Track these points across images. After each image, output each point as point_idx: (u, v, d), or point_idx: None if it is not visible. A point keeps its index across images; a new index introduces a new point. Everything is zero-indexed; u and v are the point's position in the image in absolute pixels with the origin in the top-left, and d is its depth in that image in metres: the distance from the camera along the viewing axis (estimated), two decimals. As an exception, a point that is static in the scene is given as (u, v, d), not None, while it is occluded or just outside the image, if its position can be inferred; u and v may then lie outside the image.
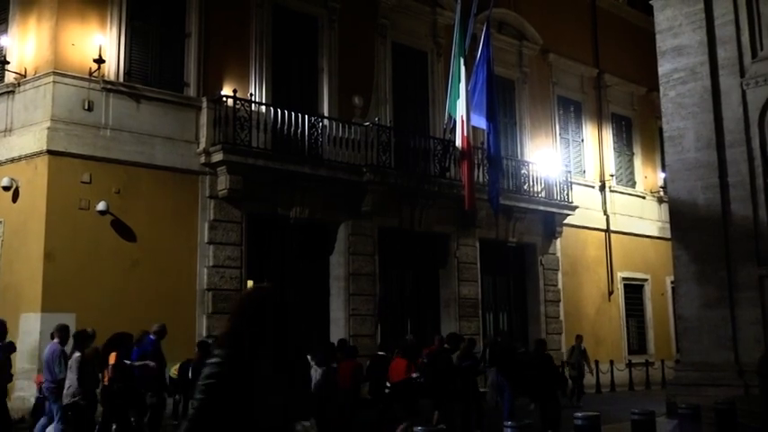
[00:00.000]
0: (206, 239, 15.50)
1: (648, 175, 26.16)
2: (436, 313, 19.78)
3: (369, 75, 18.98)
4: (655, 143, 25.92)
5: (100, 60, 14.32)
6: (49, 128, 13.93)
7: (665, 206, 22.21)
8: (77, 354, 10.41)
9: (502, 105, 20.97)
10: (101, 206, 14.09)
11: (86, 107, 14.37)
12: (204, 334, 14.92)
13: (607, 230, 24.01)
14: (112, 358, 10.92)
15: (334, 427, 11.42)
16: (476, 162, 18.84)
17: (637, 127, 26.14)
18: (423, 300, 19.73)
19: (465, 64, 17.39)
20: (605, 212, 24.18)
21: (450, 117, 18.23)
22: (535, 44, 22.93)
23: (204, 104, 15.63)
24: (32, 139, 14.11)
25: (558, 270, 22.35)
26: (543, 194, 21.54)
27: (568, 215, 22.11)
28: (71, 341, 10.79)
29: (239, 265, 15.85)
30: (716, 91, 14.87)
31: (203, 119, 15.60)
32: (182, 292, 15.00)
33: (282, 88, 17.30)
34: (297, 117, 16.78)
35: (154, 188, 14.91)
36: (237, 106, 15.73)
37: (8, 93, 14.84)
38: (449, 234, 19.81)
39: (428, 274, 19.89)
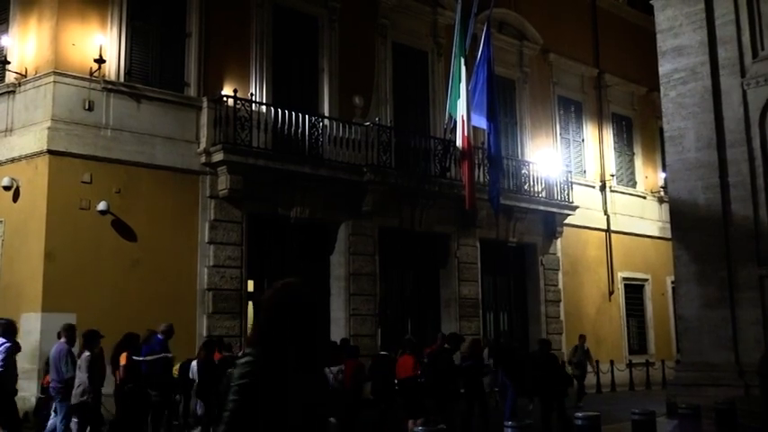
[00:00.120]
0: (206, 239, 15.51)
1: (649, 175, 26.16)
2: (437, 313, 19.78)
3: (369, 75, 18.99)
4: (655, 143, 25.93)
5: (100, 60, 14.32)
6: (49, 128, 13.94)
7: (665, 206, 22.21)
8: (87, 353, 10.45)
9: (502, 105, 20.97)
10: (101, 206, 14.10)
11: (87, 107, 14.37)
12: (204, 334, 14.94)
13: (607, 230, 24.01)
14: (123, 359, 10.95)
15: (342, 427, 11.42)
16: (476, 162, 18.85)
17: (637, 127, 26.14)
18: (423, 300, 19.73)
19: (465, 64, 17.39)
20: (606, 212, 24.18)
21: (450, 117, 18.23)
22: (535, 44, 22.93)
23: (205, 104, 15.63)
24: (33, 139, 14.12)
25: (558, 270, 22.35)
26: (544, 194, 21.54)
27: (569, 215, 22.11)
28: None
29: (240, 265, 15.85)
30: (716, 91, 14.87)
31: (204, 119, 15.60)
32: (182, 292, 15.00)
33: (283, 88, 17.30)
34: (297, 117, 16.79)
35: (154, 188, 14.92)
36: (238, 106, 15.74)
37: (9, 92, 14.85)
38: (449, 234, 19.81)
39: (428, 273, 19.89)
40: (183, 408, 13.25)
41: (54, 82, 14.12)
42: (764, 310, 13.97)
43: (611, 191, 24.57)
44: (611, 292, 23.85)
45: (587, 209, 23.15)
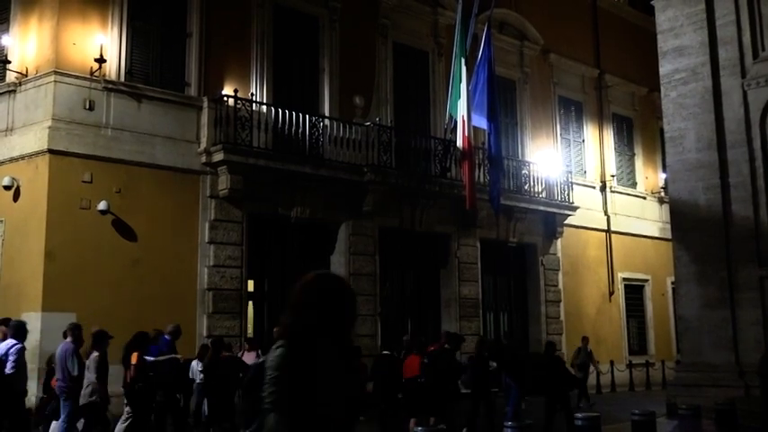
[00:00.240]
0: (207, 239, 15.51)
1: (649, 176, 26.15)
2: (437, 313, 19.78)
3: (370, 75, 18.99)
4: (656, 143, 25.93)
5: (101, 60, 14.32)
6: (50, 127, 13.94)
7: (665, 207, 22.22)
8: (96, 354, 10.48)
9: (503, 105, 20.97)
10: (101, 206, 14.10)
11: (87, 107, 14.38)
12: (205, 334, 14.95)
13: (608, 231, 24.01)
14: (134, 358, 10.98)
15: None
16: (477, 162, 18.84)
17: (638, 127, 26.13)
18: (423, 300, 19.73)
19: (466, 64, 17.39)
20: (606, 213, 24.18)
21: (450, 117, 18.23)
22: (536, 44, 22.93)
23: (205, 104, 15.63)
24: (33, 139, 14.12)
25: (558, 270, 22.35)
26: (544, 195, 21.55)
27: (569, 215, 22.11)
28: (69, 340, 10.81)
29: (240, 265, 15.85)
30: (717, 91, 14.88)
31: (204, 118, 15.60)
32: (182, 292, 15.00)
33: (283, 88, 17.30)
34: (298, 117, 16.79)
35: (154, 188, 14.92)
36: (238, 106, 15.74)
37: (9, 92, 14.85)
38: (449, 234, 19.82)
39: (429, 274, 19.89)
40: (182, 406, 13.25)
41: (54, 81, 14.12)
42: (765, 310, 13.98)
43: (612, 191, 24.57)
44: (611, 293, 23.85)
45: (587, 209, 23.15)
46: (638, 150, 26.11)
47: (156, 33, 15.84)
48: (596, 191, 24.20)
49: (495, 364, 14.93)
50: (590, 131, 24.56)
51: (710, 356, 14.40)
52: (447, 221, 19.57)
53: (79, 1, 14.68)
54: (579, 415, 8.62)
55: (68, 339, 10.57)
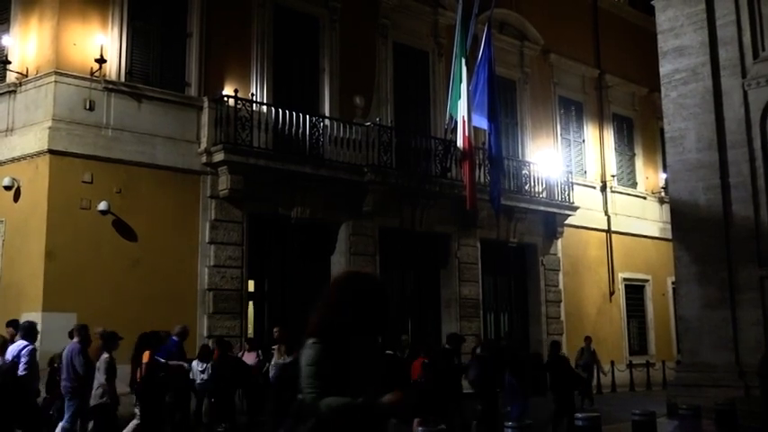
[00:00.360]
0: (207, 239, 15.51)
1: (650, 176, 26.15)
2: (437, 313, 19.78)
3: (370, 75, 18.99)
4: (656, 144, 25.92)
5: (101, 60, 14.32)
6: (50, 127, 13.94)
7: (666, 207, 22.21)
8: (106, 355, 10.50)
9: (503, 106, 20.97)
10: (102, 206, 14.11)
11: (88, 107, 14.38)
12: (205, 334, 14.95)
13: (608, 231, 24.00)
14: (146, 357, 11.02)
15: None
16: (477, 162, 18.82)
17: (638, 127, 26.12)
18: (423, 300, 19.73)
19: (466, 64, 17.38)
20: (606, 213, 24.17)
21: (451, 117, 18.22)
22: (536, 44, 22.93)
23: (205, 104, 15.63)
24: (34, 139, 14.12)
25: (558, 270, 22.35)
26: (544, 195, 21.54)
27: (569, 215, 22.10)
28: (76, 340, 10.84)
29: (240, 265, 15.85)
30: (717, 92, 14.87)
31: (204, 119, 15.60)
32: (182, 292, 15.00)
33: (284, 88, 17.30)
34: (298, 117, 16.79)
35: (155, 188, 14.92)
36: (239, 106, 15.74)
37: (10, 92, 14.85)
38: (450, 234, 19.81)
39: (429, 274, 19.89)
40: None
41: (55, 82, 14.13)
42: (765, 310, 13.97)
43: (612, 191, 24.56)
44: (611, 293, 23.84)
45: (588, 209, 23.14)
46: (639, 150, 26.11)
47: (157, 33, 15.84)
48: (597, 191, 24.19)
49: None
50: (590, 131, 24.55)
51: (711, 357, 14.39)
52: (447, 221, 19.57)
53: (79, 1, 14.68)
54: (579, 415, 8.62)
55: (75, 340, 10.59)
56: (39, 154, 14.00)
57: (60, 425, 10.65)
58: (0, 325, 12.02)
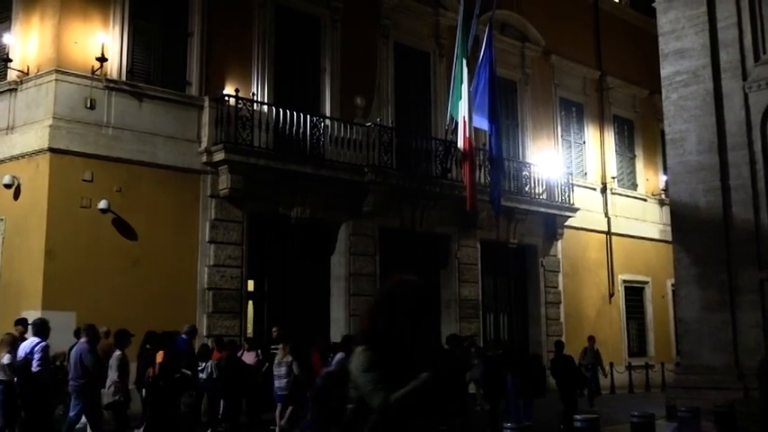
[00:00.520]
0: (207, 239, 15.51)
1: (650, 178, 26.14)
2: (437, 314, 19.76)
3: (371, 75, 18.99)
4: (656, 146, 25.92)
5: (102, 59, 14.33)
6: (51, 126, 13.94)
7: (666, 209, 22.21)
8: (118, 352, 10.57)
9: (504, 107, 20.97)
10: (102, 204, 14.11)
11: (88, 105, 14.38)
12: (205, 333, 14.94)
13: (608, 233, 24.00)
14: (160, 356, 11.03)
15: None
16: (477, 163, 18.82)
17: (638, 129, 26.12)
18: (423, 300, 19.67)
19: (467, 65, 17.38)
20: (606, 215, 24.17)
21: (451, 118, 18.22)
22: (537, 46, 22.93)
23: (206, 104, 15.63)
24: (34, 137, 14.12)
25: (558, 272, 22.35)
26: (544, 196, 21.54)
27: (569, 217, 22.11)
28: (84, 339, 10.87)
29: (240, 265, 15.85)
30: (718, 94, 14.87)
31: (205, 118, 15.60)
32: (182, 292, 15.00)
33: (284, 88, 17.30)
34: (299, 117, 16.79)
35: (155, 187, 14.92)
36: (239, 106, 15.74)
37: (11, 90, 14.86)
38: (450, 235, 19.81)
39: (429, 274, 19.85)
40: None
41: (56, 80, 14.13)
42: (765, 313, 13.97)
43: (612, 193, 24.56)
44: (611, 295, 23.84)
45: (588, 211, 23.14)
46: (639, 152, 26.10)
47: (158, 32, 15.84)
48: (597, 192, 24.19)
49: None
50: (591, 133, 24.55)
51: (710, 359, 14.39)
52: (447, 222, 19.57)
53: (81, 0, 14.68)
54: (578, 416, 8.62)
55: (83, 339, 10.62)
56: (39, 152, 14.00)
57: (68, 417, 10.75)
58: (1, 324, 12.05)
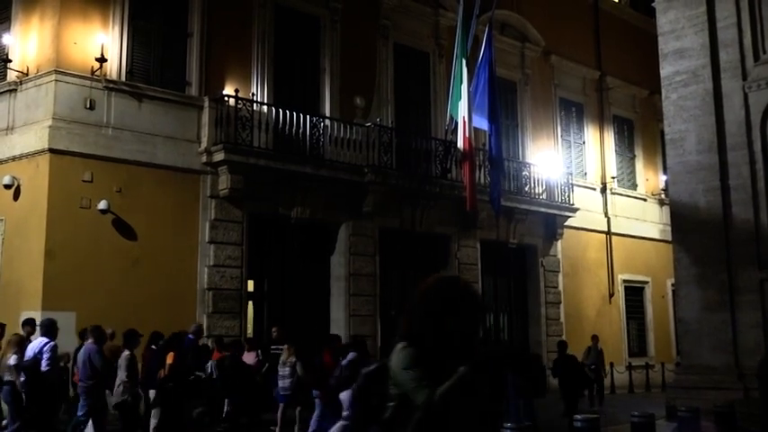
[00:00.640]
0: (207, 239, 15.51)
1: (650, 178, 26.14)
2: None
3: (371, 75, 18.99)
4: (656, 146, 25.91)
5: (102, 59, 14.33)
6: (50, 126, 13.94)
7: (666, 209, 22.20)
8: (127, 352, 10.59)
9: (503, 107, 20.96)
10: (102, 205, 14.11)
11: (88, 106, 14.38)
12: (205, 333, 14.91)
13: (608, 233, 24.00)
14: (170, 358, 11.05)
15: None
16: (477, 163, 18.82)
17: (638, 129, 26.12)
18: (423, 301, 19.67)
19: (467, 65, 17.37)
20: (606, 215, 24.17)
21: (451, 118, 18.21)
22: (537, 46, 22.93)
23: (206, 104, 15.63)
24: (34, 138, 14.12)
25: (558, 272, 22.35)
26: (544, 196, 21.54)
27: (569, 217, 22.11)
28: (91, 341, 10.89)
29: (240, 265, 15.85)
30: (718, 94, 14.87)
31: (205, 118, 15.61)
32: (182, 292, 15.00)
33: (284, 88, 17.30)
34: (298, 117, 16.79)
35: (155, 187, 14.92)
36: (239, 106, 15.74)
37: (10, 91, 14.86)
38: (450, 235, 19.81)
39: (429, 274, 19.79)
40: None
41: (55, 80, 14.13)
42: (764, 313, 13.96)
43: (612, 193, 24.56)
44: (611, 295, 23.84)
45: (588, 211, 23.14)
46: (639, 152, 26.10)
47: (158, 33, 15.84)
48: (597, 192, 24.19)
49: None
50: (591, 133, 24.55)
51: (710, 359, 14.39)
52: (447, 222, 19.57)
53: (80, 0, 14.68)
54: (578, 416, 8.61)
55: (90, 341, 10.63)
56: (39, 153, 14.00)
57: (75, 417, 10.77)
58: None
